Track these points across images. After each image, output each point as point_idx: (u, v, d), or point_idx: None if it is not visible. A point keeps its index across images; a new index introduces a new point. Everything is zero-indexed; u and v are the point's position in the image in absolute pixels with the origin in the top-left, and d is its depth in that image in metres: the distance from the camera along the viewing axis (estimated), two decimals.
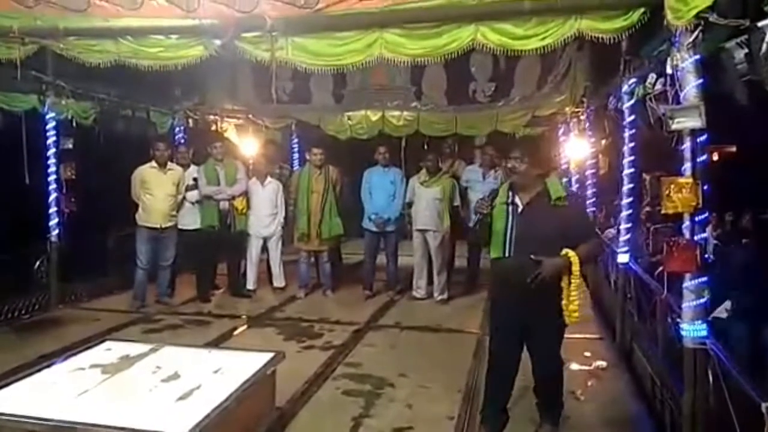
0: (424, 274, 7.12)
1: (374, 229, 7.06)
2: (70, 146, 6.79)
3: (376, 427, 3.80)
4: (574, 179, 8.62)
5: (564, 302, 3.22)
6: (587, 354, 5.07)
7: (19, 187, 6.21)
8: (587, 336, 5.42)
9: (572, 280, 3.19)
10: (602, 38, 4.05)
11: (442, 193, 6.84)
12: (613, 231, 6.44)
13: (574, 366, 4.70)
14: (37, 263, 6.63)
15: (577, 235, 3.27)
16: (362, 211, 7.17)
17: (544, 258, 3.13)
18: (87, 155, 6.94)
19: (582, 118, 7.81)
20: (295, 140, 10.87)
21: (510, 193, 3.40)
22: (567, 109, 7.89)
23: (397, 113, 8.58)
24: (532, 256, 3.15)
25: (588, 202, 7.63)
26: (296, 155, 10.91)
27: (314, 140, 8.15)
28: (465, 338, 5.71)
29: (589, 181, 7.95)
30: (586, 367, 4.80)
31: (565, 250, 3.18)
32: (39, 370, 3.39)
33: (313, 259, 7.36)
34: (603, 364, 4.89)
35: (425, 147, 8.57)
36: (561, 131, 8.90)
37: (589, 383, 4.50)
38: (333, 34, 4.00)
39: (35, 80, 6.15)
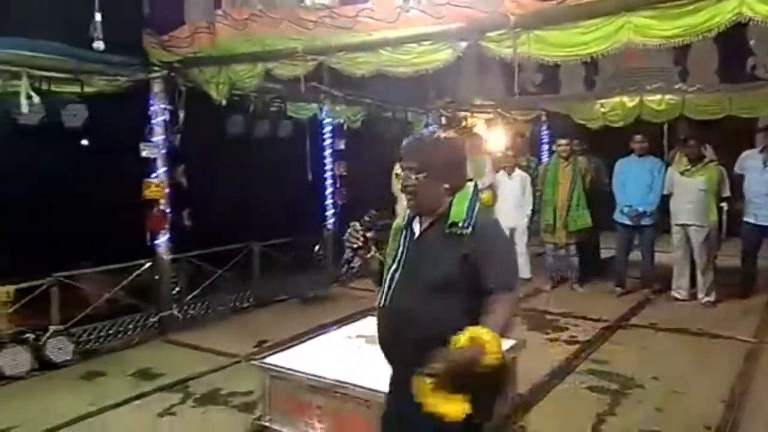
0: (685, 273, 6.51)
1: (627, 222, 6.67)
2: (342, 147, 7.84)
3: (621, 426, 3.69)
4: None
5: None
6: None
7: (302, 181, 7.35)
8: None
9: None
10: None
11: (708, 183, 6.15)
12: None
13: None
14: (316, 247, 7.74)
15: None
16: (614, 203, 6.83)
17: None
18: (355, 154, 7.88)
19: None
20: (545, 131, 10.73)
21: None
22: None
23: (657, 97, 7.91)
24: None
25: None
26: (545, 147, 10.77)
27: (563, 130, 7.98)
28: (733, 345, 5.12)
29: None
30: None
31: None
32: (317, 336, 4.03)
33: (561, 252, 7.24)
34: None
35: (686, 131, 7.74)
36: None
37: None
38: (576, 23, 3.92)
39: (315, 91, 7.19)
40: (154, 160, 5.69)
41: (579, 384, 4.35)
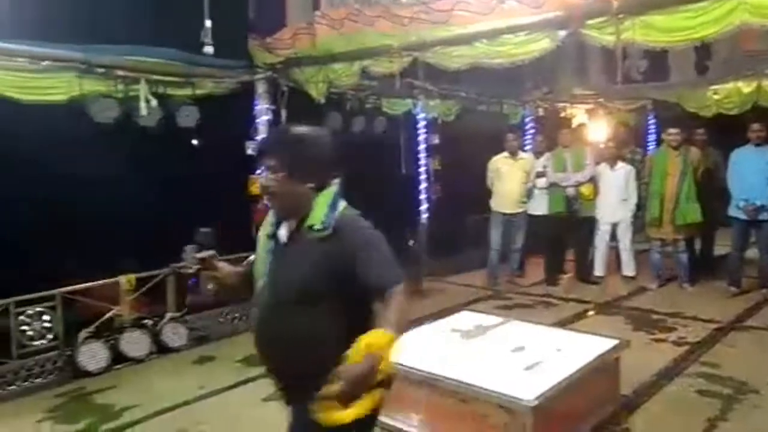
0: None
1: (743, 217, 6.19)
2: (437, 141, 7.85)
3: None
4: None
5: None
6: None
7: (396, 176, 7.43)
8: None
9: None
10: None
11: None
12: None
13: None
14: (411, 241, 7.81)
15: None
16: (729, 196, 6.37)
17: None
18: (450, 148, 7.86)
19: None
20: (651, 121, 10.18)
21: None
22: None
23: None
24: None
25: None
26: (651, 137, 10.22)
27: (671, 120, 7.54)
28: None
29: None
30: None
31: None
32: (412, 329, 4.08)
33: (668, 248, 6.85)
34: None
35: None
36: None
37: None
38: (686, 6, 3.69)
39: (409, 87, 7.23)
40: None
41: (688, 387, 4.12)
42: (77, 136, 5.42)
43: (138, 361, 5.04)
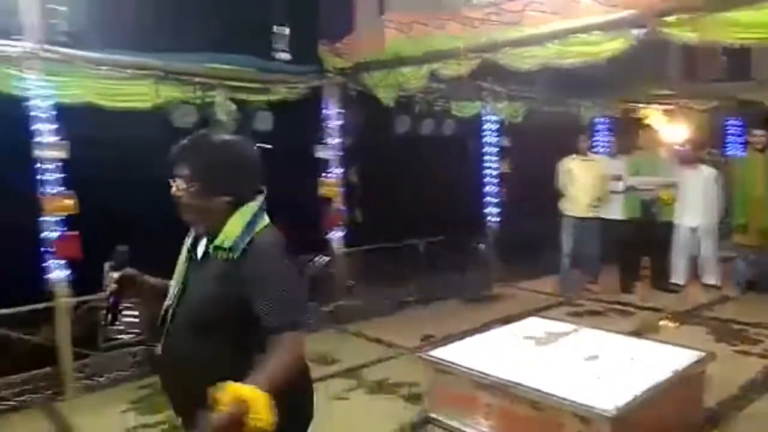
0: None
1: None
2: (506, 144, 7.73)
3: None
4: None
5: None
6: None
7: (466, 179, 7.39)
8: None
9: None
10: None
11: None
12: None
13: None
14: (479, 246, 7.73)
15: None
16: None
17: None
18: (519, 151, 7.74)
19: None
20: (731, 122, 9.66)
21: None
22: None
23: None
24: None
25: None
26: (729, 138, 9.70)
27: (756, 121, 7.13)
28: None
29: None
30: None
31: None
32: (482, 333, 4.04)
33: (755, 256, 6.47)
34: None
35: None
36: None
37: None
38: None
39: (477, 89, 7.17)
40: (329, 160, 6.10)
41: None
42: (158, 140, 5.69)
43: None
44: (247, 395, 1.40)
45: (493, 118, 7.63)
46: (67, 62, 4.42)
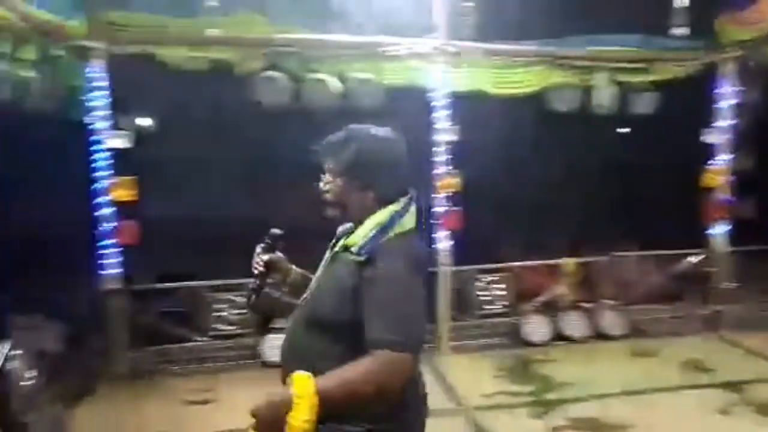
0: None
1: None
2: None
3: None
4: None
5: None
6: None
7: None
8: None
9: None
10: None
11: None
12: None
13: None
14: None
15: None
16: None
17: None
18: None
19: None
20: None
21: None
22: None
23: None
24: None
25: None
26: None
27: None
28: None
29: None
30: None
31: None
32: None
33: None
34: None
35: None
36: None
37: None
38: None
39: None
40: (717, 145, 5.40)
41: None
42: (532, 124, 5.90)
43: (575, 341, 5.22)
44: (297, 391, 1.38)
45: None
46: (469, 55, 4.84)
